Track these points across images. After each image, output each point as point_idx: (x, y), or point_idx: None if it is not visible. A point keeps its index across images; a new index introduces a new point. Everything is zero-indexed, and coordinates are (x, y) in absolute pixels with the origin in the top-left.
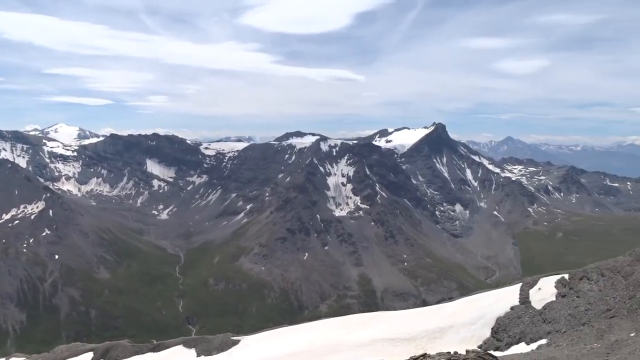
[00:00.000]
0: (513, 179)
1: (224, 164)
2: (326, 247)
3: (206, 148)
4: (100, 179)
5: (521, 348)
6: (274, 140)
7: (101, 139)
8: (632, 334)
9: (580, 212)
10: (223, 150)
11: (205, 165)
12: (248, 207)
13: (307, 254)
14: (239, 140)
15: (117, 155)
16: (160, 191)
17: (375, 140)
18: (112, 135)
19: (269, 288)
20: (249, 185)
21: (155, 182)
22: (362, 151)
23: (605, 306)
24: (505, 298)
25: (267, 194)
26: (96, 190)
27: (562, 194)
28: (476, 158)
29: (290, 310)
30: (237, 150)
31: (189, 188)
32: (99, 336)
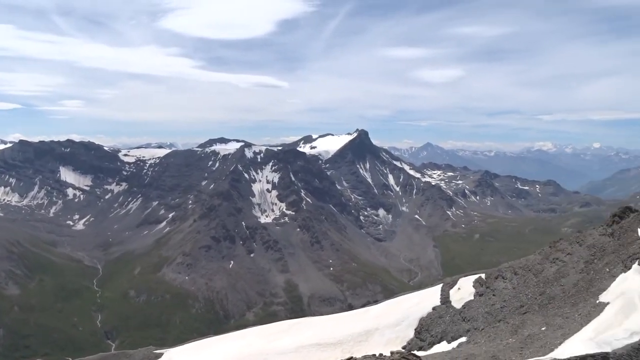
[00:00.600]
0: (433, 183)
1: (145, 171)
2: (252, 255)
3: (125, 155)
4: (8, 188)
5: (443, 347)
6: (197, 147)
7: (9, 145)
8: (543, 328)
9: (495, 214)
10: (143, 157)
11: (125, 173)
12: (170, 215)
13: (232, 262)
14: (160, 147)
15: (26, 162)
16: (76, 200)
17: (300, 147)
18: (21, 142)
19: (194, 298)
20: (171, 193)
21: (70, 191)
22: (287, 157)
23: (519, 303)
24: (427, 299)
25: (190, 202)
26: (3, 200)
27: (478, 197)
28: (398, 164)
29: (216, 320)
30: (159, 157)
31: (107, 197)
32: (8, 357)
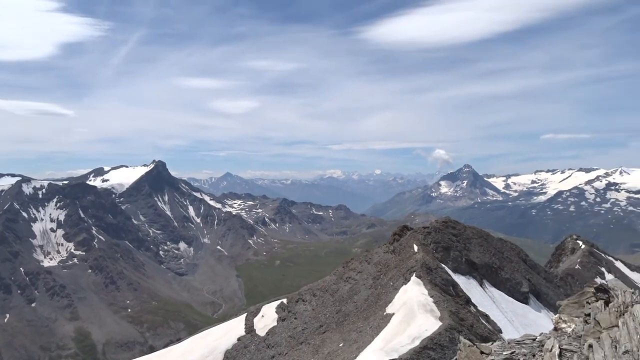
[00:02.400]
0: (234, 213)
1: None
2: (33, 304)
3: None
4: None
5: None
6: None
7: None
8: (340, 344)
9: (294, 240)
10: None
11: None
12: None
13: (8, 315)
14: None
15: None
16: None
17: (90, 180)
18: None
19: None
20: None
21: None
22: (74, 192)
23: (319, 323)
24: (232, 330)
25: None
26: None
27: (277, 225)
28: (198, 195)
29: None
30: None
31: None
32: None
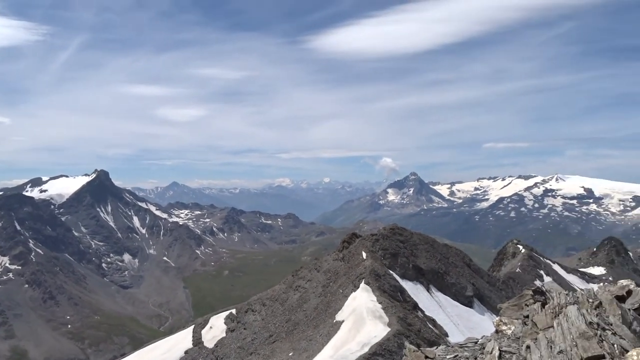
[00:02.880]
0: (180, 223)
1: None
2: None
3: None
4: None
5: None
6: None
7: None
8: (290, 354)
9: (242, 250)
10: None
11: None
12: None
13: None
14: None
15: None
16: None
17: (27, 191)
18: None
19: None
20: None
21: None
22: (10, 203)
23: (268, 333)
24: (179, 343)
25: None
26: None
27: (225, 234)
28: (143, 205)
29: None
30: None
31: None
32: None
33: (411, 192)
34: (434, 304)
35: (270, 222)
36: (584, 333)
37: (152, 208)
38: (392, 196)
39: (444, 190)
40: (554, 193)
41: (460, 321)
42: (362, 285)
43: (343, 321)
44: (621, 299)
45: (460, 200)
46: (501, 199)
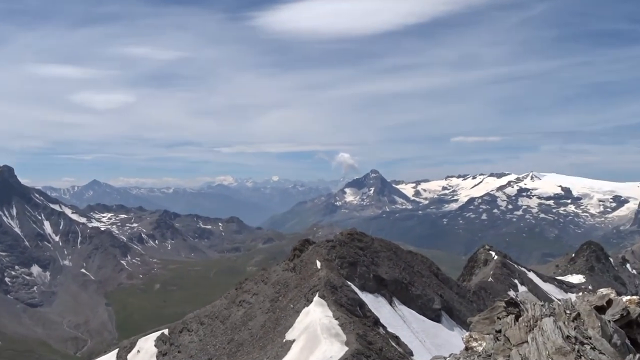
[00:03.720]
0: (102, 228)
1: None
2: None
3: None
4: None
5: None
6: None
7: None
8: None
9: (177, 259)
10: None
11: None
12: None
13: None
14: None
15: None
16: None
17: None
18: None
19: None
20: None
21: None
22: None
23: (207, 356)
24: None
25: None
26: None
27: (157, 241)
28: (57, 207)
29: None
30: None
31: None
32: None
33: (372, 192)
34: (398, 319)
35: (209, 226)
36: (560, 348)
37: (68, 211)
38: (351, 197)
39: (408, 189)
40: (529, 193)
41: (427, 338)
42: (316, 298)
43: (294, 340)
44: (601, 309)
45: (427, 201)
46: (472, 200)
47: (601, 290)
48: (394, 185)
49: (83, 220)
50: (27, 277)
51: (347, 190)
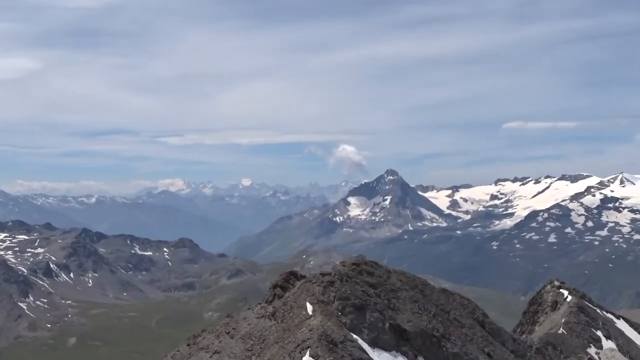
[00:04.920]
0: None
1: None
2: None
3: None
4: None
5: None
6: None
7: None
8: None
9: (102, 301)
10: None
11: None
12: None
13: None
14: None
15: None
16: None
17: None
18: None
19: None
20: None
21: None
22: None
23: None
24: None
25: None
26: None
27: (72, 275)
28: None
29: None
30: None
31: None
32: None
33: (387, 202)
34: None
35: (149, 253)
36: None
37: None
38: (357, 209)
39: (441, 199)
40: (617, 203)
41: None
42: (307, 358)
43: None
44: None
45: (468, 216)
46: (534, 214)
47: None
48: (420, 192)
49: None
50: None
51: (352, 199)
